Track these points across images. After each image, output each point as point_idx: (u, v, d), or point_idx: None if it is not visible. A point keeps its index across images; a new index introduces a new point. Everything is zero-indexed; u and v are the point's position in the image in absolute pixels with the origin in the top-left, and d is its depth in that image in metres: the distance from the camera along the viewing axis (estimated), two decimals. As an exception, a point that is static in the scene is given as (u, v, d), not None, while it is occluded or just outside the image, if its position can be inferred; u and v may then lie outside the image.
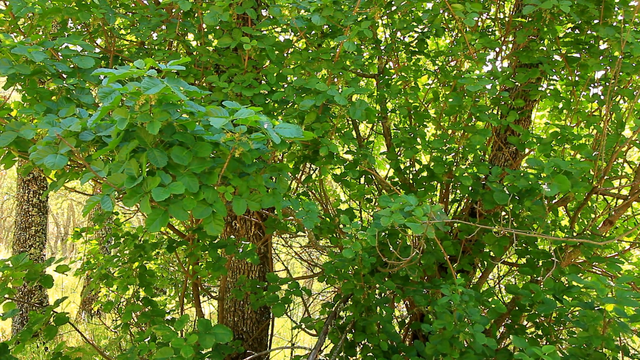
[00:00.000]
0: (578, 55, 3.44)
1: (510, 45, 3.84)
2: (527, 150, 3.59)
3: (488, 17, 4.07)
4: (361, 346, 3.04)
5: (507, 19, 3.86)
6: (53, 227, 18.48)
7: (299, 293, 3.13)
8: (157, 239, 4.10)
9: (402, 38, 3.80)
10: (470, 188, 3.19)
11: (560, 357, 2.02)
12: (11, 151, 2.26)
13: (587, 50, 3.35)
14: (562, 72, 3.62)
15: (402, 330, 4.04)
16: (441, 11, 3.26)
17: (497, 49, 3.77)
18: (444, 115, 3.89)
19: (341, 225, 3.57)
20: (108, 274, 3.60)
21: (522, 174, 2.82)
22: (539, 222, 3.04)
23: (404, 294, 3.15)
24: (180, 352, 2.19)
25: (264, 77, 3.35)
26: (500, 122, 3.33)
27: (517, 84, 3.61)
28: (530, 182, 2.75)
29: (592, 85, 3.48)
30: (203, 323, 2.37)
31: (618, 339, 2.66)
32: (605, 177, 3.15)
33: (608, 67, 3.21)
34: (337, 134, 3.04)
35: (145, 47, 3.57)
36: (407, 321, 4.03)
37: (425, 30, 3.65)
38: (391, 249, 2.97)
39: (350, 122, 4.03)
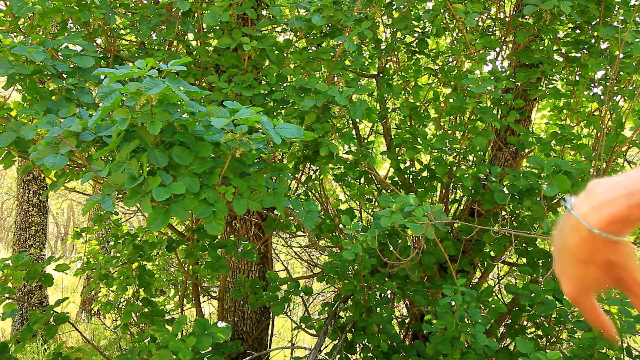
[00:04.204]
0: (578, 55, 3.44)
1: (510, 45, 3.84)
2: (527, 150, 3.59)
3: (488, 17, 4.07)
4: (361, 346, 3.04)
5: (507, 19, 3.86)
6: (53, 227, 18.46)
7: (298, 293, 3.13)
8: (157, 239, 4.09)
9: (402, 38, 3.80)
10: (470, 188, 3.19)
11: (562, 359, 2.01)
12: (11, 151, 2.26)
13: (588, 50, 3.35)
14: (563, 72, 3.62)
15: (402, 331, 4.04)
16: (442, 11, 3.26)
17: (498, 49, 3.78)
18: (444, 115, 3.89)
19: (341, 226, 3.57)
20: (108, 274, 3.59)
21: (521, 174, 2.82)
22: (539, 222, 3.04)
23: (404, 294, 3.15)
24: (179, 354, 2.18)
25: (264, 77, 3.34)
26: (501, 123, 3.33)
27: (517, 83, 3.62)
28: (530, 182, 2.75)
29: (593, 85, 3.48)
30: (200, 324, 2.36)
31: (621, 339, 2.66)
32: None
33: (608, 67, 3.21)
34: (337, 134, 3.04)
35: (145, 47, 3.57)
36: (407, 321, 4.03)
37: (426, 30, 3.65)
38: (391, 249, 2.97)
39: (350, 122, 4.03)
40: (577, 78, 3.50)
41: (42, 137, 2.03)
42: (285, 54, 3.35)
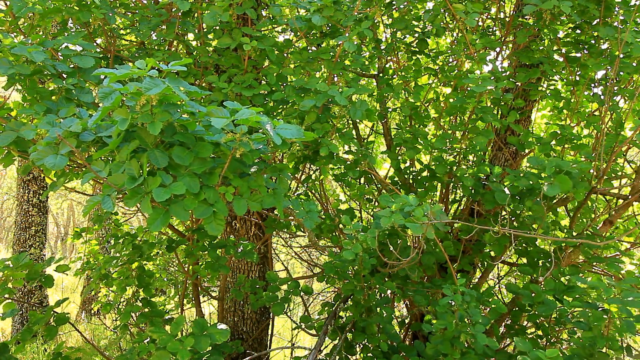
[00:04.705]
0: (578, 55, 3.44)
1: (510, 45, 3.84)
2: (527, 150, 3.59)
3: (488, 17, 4.07)
4: (361, 346, 3.04)
5: (507, 19, 3.86)
6: (53, 227, 18.45)
7: (298, 293, 3.13)
8: (157, 239, 4.09)
9: (402, 37, 3.80)
10: (470, 188, 3.19)
11: (562, 358, 2.01)
12: (11, 151, 2.26)
13: (588, 50, 3.35)
14: (563, 72, 3.62)
15: (402, 331, 4.04)
16: (442, 11, 3.26)
17: (498, 49, 3.77)
18: (444, 115, 3.89)
19: (341, 226, 3.57)
20: (108, 274, 3.59)
21: (522, 174, 2.82)
22: (539, 222, 3.04)
23: (404, 294, 3.14)
24: (177, 355, 2.18)
25: (264, 78, 3.34)
26: (501, 123, 3.33)
27: (517, 83, 3.61)
28: (531, 182, 2.75)
29: (593, 85, 3.48)
30: (199, 324, 2.35)
31: (621, 339, 2.66)
32: (605, 177, 3.15)
33: (608, 67, 3.21)
34: (337, 134, 3.05)
35: (145, 47, 3.57)
36: (407, 321, 4.02)
37: (426, 30, 3.65)
38: (391, 249, 2.97)
39: (350, 122, 4.03)
40: (577, 78, 3.50)
41: (42, 137, 2.03)
42: (285, 54, 3.35)
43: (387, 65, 3.87)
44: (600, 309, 2.34)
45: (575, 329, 2.71)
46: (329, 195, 4.89)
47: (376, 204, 4.17)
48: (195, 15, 3.30)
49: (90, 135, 1.93)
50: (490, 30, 4.00)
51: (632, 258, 3.59)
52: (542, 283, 2.87)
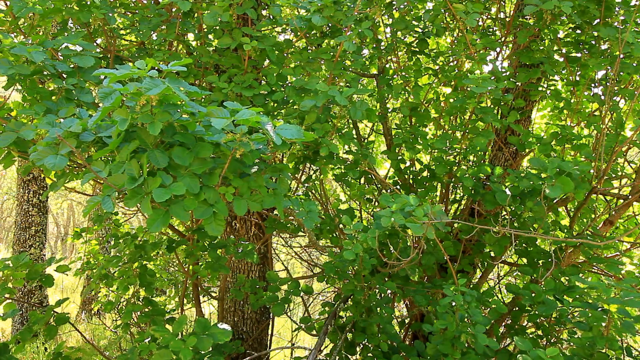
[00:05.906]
0: (579, 55, 3.44)
1: (510, 46, 3.83)
2: (527, 150, 3.59)
3: (489, 17, 4.07)
4: (361, 346, 3.04)
5: (508, 19, 3.86)
6: (53, 227, 18.46)
7: (298, 293, 3.13)
8: (157, 239, 4.09)
9: (402, 38, 3.80)
10: (470, 188, 3.19)
11: (562, 358, 2.01)
12: (11, 151, 2.26)
13: (588, 50, 3.35)
14: (563, 72, 3.62)
15: (402, 331, 4.04)
16: (442, 11, 3.26)
17: (498, 49, 3.77)
18: (444, 115, 3.89)
19: (341, 226, 3.57)
20: (108, 274, 3.59)
21: (523, 175, 2.82)
22: (540, 222, 3.04)
23: (404, 294, 3.14)
24: (180, 354, 2.18)
25: (264, 78, 3.34)
26: (501, 123, 3.33)
27: (517, 84, 3.61)
28: (532, 183, 2.75)
29: (593, 85, 3.48)
30: (201, 324, 2.35)
31: (621, 339, 2.66)
32: (605, 177, 3.15)
33: (609, 67, 3.21)
34: (337, 134, 3.04)
35: (145, 47, 3.57)
36: (407, 321, 4.02)
37: (426, 30, 3.65)
38: (391, 249, 2.97)
39: (350, 122, 4.03)
40: (578, 78, 3.50)
41: (42, 138, 2.02)
42: (285, 54, 3.35)
43: (387, 65, 3.87)
44: (600, 309, 2.34)
45: (575, 329, 2.70)
46: (329, 195, 4.89)
47: (376, 204, 4.17)
48: (196, 15, 3.30)
49: (90, 135, 1.93)
50: (491, 30, 4.00)
51: (632, 258, 3.59)
52: (542, 283, 2.87)
